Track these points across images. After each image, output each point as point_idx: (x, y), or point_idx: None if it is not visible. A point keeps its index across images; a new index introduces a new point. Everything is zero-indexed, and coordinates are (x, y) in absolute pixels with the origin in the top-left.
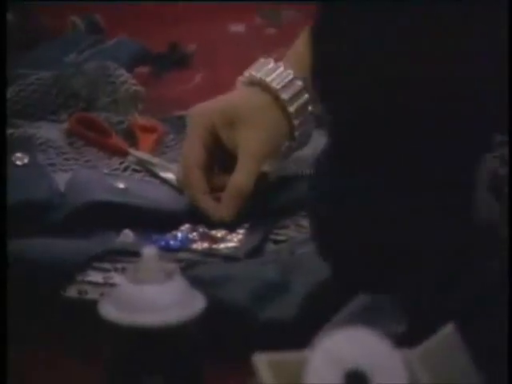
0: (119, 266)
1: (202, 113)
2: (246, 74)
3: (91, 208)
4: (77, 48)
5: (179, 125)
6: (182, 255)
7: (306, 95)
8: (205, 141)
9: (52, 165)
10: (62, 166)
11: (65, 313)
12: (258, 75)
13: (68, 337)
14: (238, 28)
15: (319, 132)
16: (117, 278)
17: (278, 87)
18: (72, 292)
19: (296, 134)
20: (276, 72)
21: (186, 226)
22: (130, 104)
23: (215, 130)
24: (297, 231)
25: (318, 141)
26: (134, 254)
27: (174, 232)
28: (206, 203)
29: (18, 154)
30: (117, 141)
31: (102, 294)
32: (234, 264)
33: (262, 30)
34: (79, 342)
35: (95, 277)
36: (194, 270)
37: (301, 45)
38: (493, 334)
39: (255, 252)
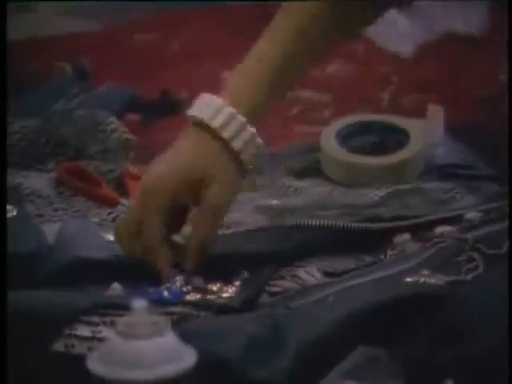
0: (108, 319)
1: (159, 190)
2: (193, 113)
3: (79, 263)
4: (65, 95)
5: None
6: (174, 308)
7: (258, 140)
8: (166, 215)
9: (40, 215)
10: (51, 216)
11: (52, 367)
12: (204, 118)
13: None
14: (230, 74)
15: (314, 182)
16: (105, 332)
17: (228, 135)
18: (59, 346)
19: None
20: (224, 115)
21: (179, 278)
22: (120, 152)
23: (176, 199)
24: (293, 282)
25: (311, 191)
26: (123, 307)
27: (168, 285)
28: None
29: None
30: (107, 191)
31: (89, 349)
32: (227, 318)
33: None
34: None
35: (83, 331)
36: (185, 324)
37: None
38: None
39: (250, 302)
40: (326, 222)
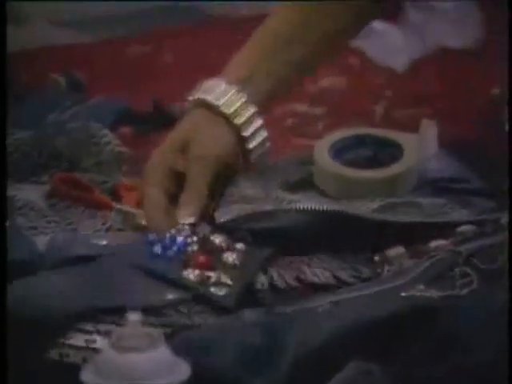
0: (102, 328)
1: (156, 164)
2: (196, 96)
3: (72, 263)
4: (58, 107)
5: None
6: (168, 319)
7: (260, 121)
8: (165, 185)
9: (33, 228)
10: (44, 228)
11: (45, 376)
12: (208, 98)
13: None
14: None
15: (307, 195)
16: (99, 342)
17: (230, 112)
18: (54, 354)
19: (252, 156)
20: (227, 95)
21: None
22: (114, 165)
23: (172, 168)
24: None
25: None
26: (118, 313)
27: (172, 232)
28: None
29: None
30: (100, 196)
31: (83, 358)
32: (222, 328)
33: None
34: None
35: (77, 340)
36: (179, 336)
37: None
38: None
39: (246, 293)
40: (322, 207)
